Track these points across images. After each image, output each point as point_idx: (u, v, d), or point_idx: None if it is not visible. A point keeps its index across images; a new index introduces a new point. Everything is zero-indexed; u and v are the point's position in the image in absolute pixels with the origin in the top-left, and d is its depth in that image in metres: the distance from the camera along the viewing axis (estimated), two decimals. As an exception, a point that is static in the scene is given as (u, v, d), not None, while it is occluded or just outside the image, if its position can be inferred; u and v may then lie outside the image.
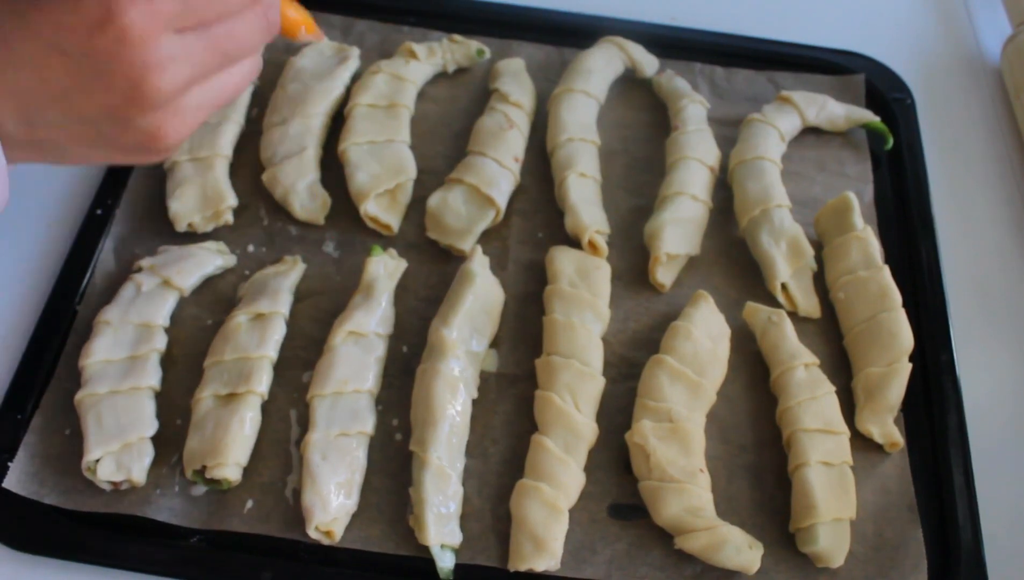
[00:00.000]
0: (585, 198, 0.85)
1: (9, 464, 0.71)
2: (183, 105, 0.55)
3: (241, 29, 0.57)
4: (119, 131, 0.54)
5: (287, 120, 0.88)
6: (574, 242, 0.84)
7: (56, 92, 0.52)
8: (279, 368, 0.77)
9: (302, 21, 0.74)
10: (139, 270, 0.80)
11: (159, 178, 0.86)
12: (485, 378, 0.78)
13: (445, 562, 0.68)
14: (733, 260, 0.86)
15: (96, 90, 0.52)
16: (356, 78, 0.93)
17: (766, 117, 0.91)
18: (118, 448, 0.70)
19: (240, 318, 0.77)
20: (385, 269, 0.80)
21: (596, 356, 0.77)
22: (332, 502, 0.68)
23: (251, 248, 0.84)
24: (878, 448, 0.76)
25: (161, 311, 0.78)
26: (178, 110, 0.55)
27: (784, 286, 0.83)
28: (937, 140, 0.97)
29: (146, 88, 0.52)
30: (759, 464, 0.75)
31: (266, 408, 0.75)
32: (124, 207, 0.85)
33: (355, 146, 0.87)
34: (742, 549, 0.68)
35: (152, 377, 0.74)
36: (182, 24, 0.53)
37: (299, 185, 0.85)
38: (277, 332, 0.77)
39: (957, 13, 1.11)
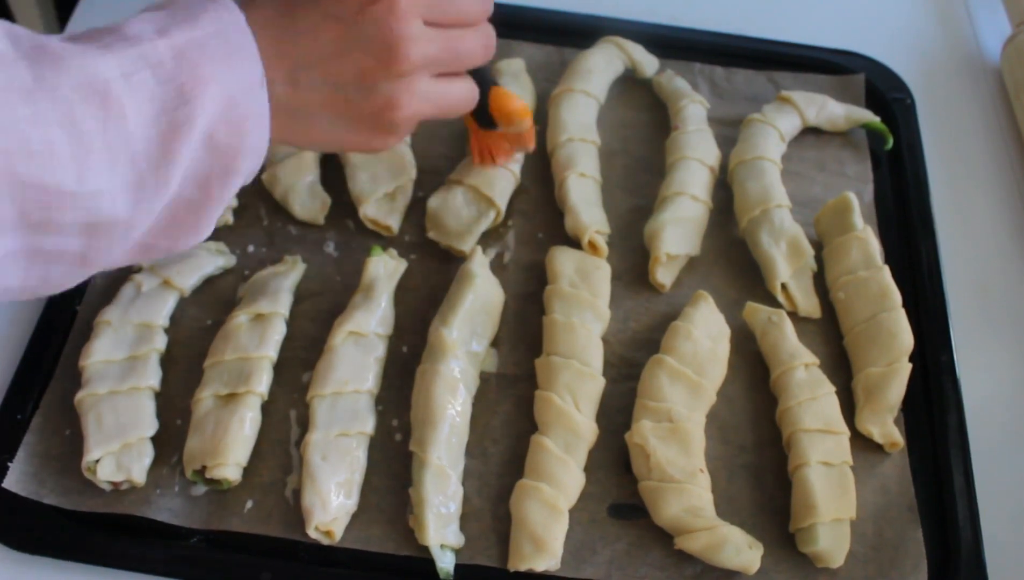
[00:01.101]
0: (585, 198, 0.85)
1: (9, 464, 0.71)
2: (417, 86, 0.64)
3: (469, 39, 0.67)
4: (364, 96, 0.63)
5: (287, 120, 0.88)
6: (574, 242, 0.84)
7: (323, 54, 0.61)
8: (279, 368, 0.77)
9: (519, 111, 0.78)
10: (139, 270, 0.80)
11: (159, 178, 0.86)
12: (485, 378, 0.78)
13: (445, 562, 0.68)
14: (733, 260, 0.86)
15: (356, 52, 0.61)
16: (356, 78, 0.93)
17: (766, 117, 0.91)
18: (118, 448, 0.70)
19: (240, 318, 0.77)
20: (385, 269, 0.80)
21: (596, 356, 0.77)
22: (332, 502, 0.68)
23: (251, 248, 0.84)
24: (878, 448, 0.76)
25: (161, 311, 0.78)
26: (412, 88, 0.64)
27: (784, 286, 0.83)
28: (937, 140, 0.97)
29: (398, 54, 0.62)
30: (759, 464, 0.75)
31: (266, 408, 0.75)
32: (124, 207, 0.85)
33: (355, 146, 0.87)
34: (742, 549, 0.68)
35: (152, 377, 0.74)
36: (430, 16, 0.63)
37: (299, 185, 0.85)
38: (277, 332, 0.77)
39: (957, 13, 1.11)
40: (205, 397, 0.73)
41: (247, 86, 0.58)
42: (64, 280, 0.58)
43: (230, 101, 0.57)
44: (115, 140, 0.53)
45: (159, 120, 0.54)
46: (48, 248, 0.54)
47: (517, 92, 0.92)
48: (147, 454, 0.71)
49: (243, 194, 0.86)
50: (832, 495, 0.70)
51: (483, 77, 0.74)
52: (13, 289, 0.56)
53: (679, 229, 0.83)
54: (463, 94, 0.71)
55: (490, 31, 0.70)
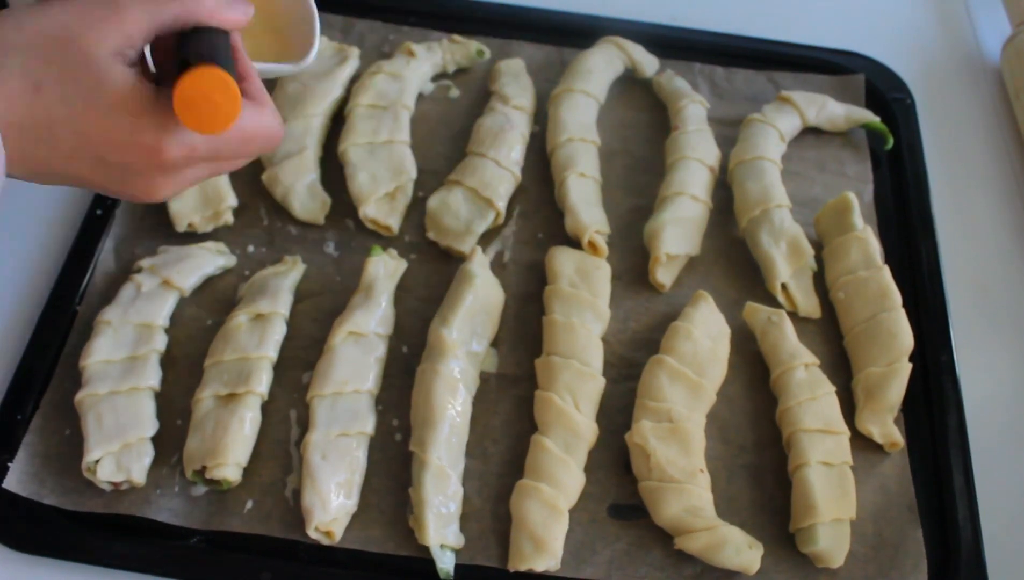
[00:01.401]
0: (585, 198, 0.85)
1: (9, 464, 0.71)
2: (181, 177, 0.61)
3: (241, 162, 0.64)
4: (123, 187, 0.59)
5: (287, 120, 0.88)
6: (574, 242, 0.84)
7: (75, 175, 0.58)
8: (279, 368, 0.77)
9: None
10: (139, 270, 0.80)
11: (159, 178, 0.86)
12: (485, 378, 0.78)
13: (445, 563, 0.68)
14: (733, 260, 0.86)
15: (114, 185, 0.59)
16: (356, 78, 0.93)
17: (766, 117, 0.91)
18: (118, 448, 0.70)
19: (240, 318, 0.77)
20: (385, 269, 0.80)
21: (596, 356, 0.77)
22: (332, 502, 0.68)
23: (251, 248, 0.84)
24: (878, 448, 0.76)
25: (161, 311, 0.78)
26: (176, 180, 0.61)
27: (784, 286, 0.83)
28: (937, 140, 0.97)
29: (154, 193, 0.60)
30: (759, 464, 0.75)
31: (266, 408, 0.75)
32: (124, 207, 0.85)
33: (355, 146, 0.87)
34: (742, 549, 0.68)
35: (152, 377, 0.74)
36: (207, 161, 0.60)
37: (299, 185, 0.85)
38: (277, 332, 0.77)
39: (957, 13, 1.11)
40: (205, 397, 0.73)
41: None
42: None
43: None
44: None
45: None
46: None
47: (517, 92, 0.92)
48: (147, 454, 0.71)
49: (243, 194, 0.86)
50: (832, 495, 0.70)
51: (209, 48, 0.57)
52: None
53: (679, 229, 0.83)
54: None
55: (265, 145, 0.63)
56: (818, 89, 0.97)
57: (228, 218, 0.84)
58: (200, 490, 0.71)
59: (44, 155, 0.56)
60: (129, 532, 0.69)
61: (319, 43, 0.72)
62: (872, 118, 0.94)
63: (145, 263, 0.80)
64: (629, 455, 0.73)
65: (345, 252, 0.85)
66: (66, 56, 0.54)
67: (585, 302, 0.78)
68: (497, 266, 0.84)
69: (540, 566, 0.68)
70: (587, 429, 0.73)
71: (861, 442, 0.76)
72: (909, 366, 0.76)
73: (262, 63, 0.69)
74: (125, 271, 0.81)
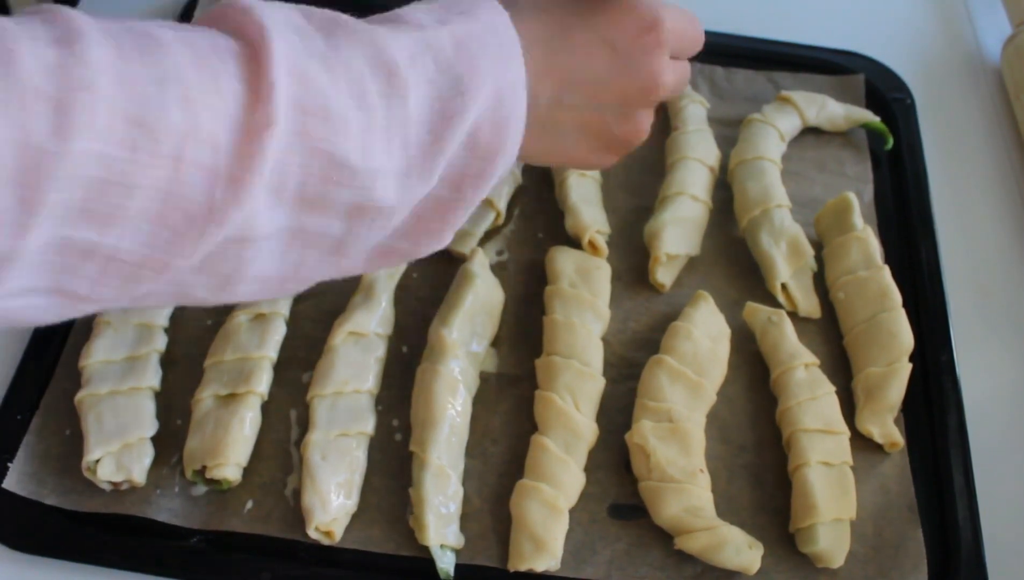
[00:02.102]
0: (585, 198, 0.85)
1: (9, 464, 0.71)
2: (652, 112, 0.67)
3: (682, 71, 0.71)
4: (620, 121, 0.65)
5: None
6: (574, 242, 0.84)
7: (591, 76, 0.62)
8: (279, 368, 0.77)
9: None
10: (139, 270, 0.80)
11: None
12: (485, 378, 0.78)
13: (445, 563, 0.68)
14: (733, 260, 0.86)
15: (623, 78, 0.63)
16: (356, 78, 0.93)
17: (766, 117, 0.91)
18: (118, 448, 0.70)
19: (240, 318, 0.77)
20: (385, 269, 0.80)
21: (596, 356, 0.77)
22: (332, 502, 0.68)
23: (251, 248, 0.84)
24: (878, 448, 0.76)
25: (161, 311, 0.78)
26: (651, 115, 0.67)
27: (784, 286, 0.83)
28: (937, 140, 0.97)
29: (659, 84, 0.64)
30: (759, 464, 0.76)
31: (266, 408, 0.75)
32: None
33: (355, 146, 0.87)
34: (742, 549, 0.68)
35: (152, 377, 0.74)
36: (674, 50, 0.67)
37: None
38: (277, 332, 0.77)
39: (957, 13, 1.11)
40: (205, 397, 0.73)
41: (513, 87, 0.57)
42: (312, 271, 0.56)
43: (498, 99, 0.55)
44: (395, 120, 0.52)
45: (434, 108, 0.53)
46: (312, 229, 0.52)
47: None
48: (147, 454, 0.71)
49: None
50: (832, 495, 0.70)
51: None
52: (270, 277, 0.53)
53: (679, 229, 0.83)
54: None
55: (687, 66, 0.72)
56: (818, 89, 0.97)
57: (228, 218, 0.84)
58: (200, 490, 0.71)
59: (564, 62, 0.61)
60: (129, 532, 0.69)
61: None
62: (872, 118, 0.94)
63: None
64: (629, 455, 0.73)
65: (345, 252, 0.84)
66: None
67: (585, 302, 0.78)
68: (497, 266, 0.84)
69: (540, 566, 0.68)
70: (587, 429, 0.73)
71: (861, 442, 0.76)
72: (909, 366, 0.76)
73: None
74: (125, 271, 0.81)
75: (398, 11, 0.56)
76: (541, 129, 0.61)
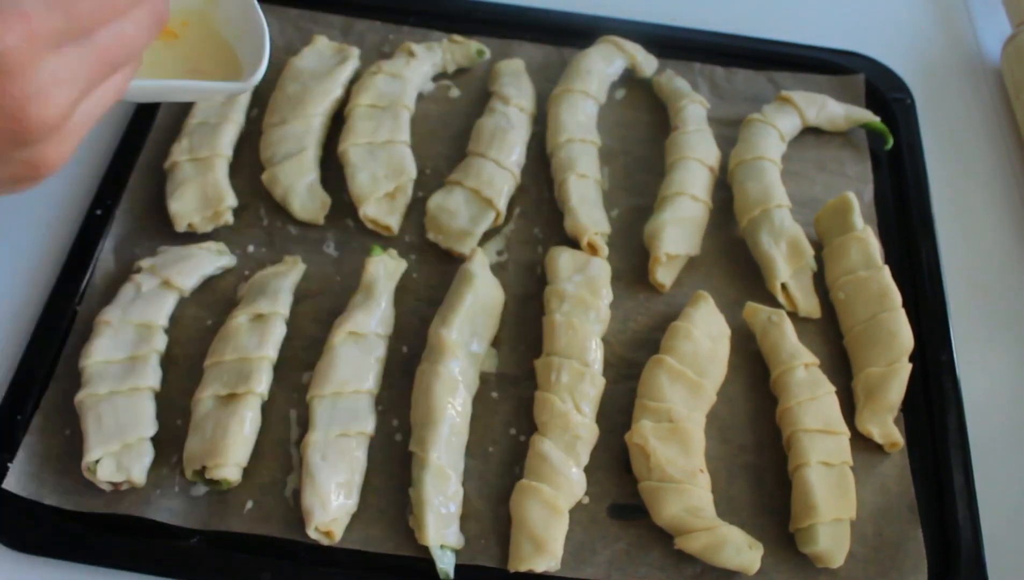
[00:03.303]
0: (585, 199, 0.85)
1: (9, 464, 0.71)
2: (67, 129, 0.49)
3: (129, 30, 0.50)
4: (2, 167, 0.48)
5: (287, 120, 0.88)
6: (574, 242, 0.84)
7: None
8: (279, 368, 0.77)
9: None
10: (139, 270, 0.80)
11: (159, 178, 0.86)
12: (485, 378, 0.78)
13: (445, 563, 0.68)
14: (733, 260, 0.86)
15: None
16: (356, 78, 0.93)
17: (766, 117, 0.91)
18: (118, 448, 0.70)
19: (240, 318, 0.77)
20: (385, 269, 0.80)
21: (596, 356, 0.77)
22: (332, 502, 0.68)
23: (251, 248, 0.84)
24: (878, 448, 0.76)
25: (161, 311, 0.78)
26: (62, 137, 0.49)
27: (784, 286, 0.83)
28: (937, 140, 0.97)
29: (27, 121, 0.47)
30: (759, 464, 0.75)
31: (266, 408, 0.75)
32: (124, 207, 0.85)
33: (355, 146, 0.87)
34: (742, 549, 0.68)
35: (152, 378, 0.74)
36: (65, 40, 0.47)
37: (299, 185, 0.85)
38: (277, 332, 0.77)
39: (957, 13, 1.11)
40: (205, 397, 0.73)
41: None
42: None
43: None
44: None
45: None
46: None
47: (517, 92, 0.92)
48: (147, 454, 0.71)
49: (243, 194, 0.86)
50: (832, 495, 0.70)
51: None
52: None
53: (679, 229, 0.83)
54: (127, 78, 0.53)
55: (153, 3, 0.52)
56: (818, 89, 0.97)
57: (228, 218, 0.84)
58: (200, 490, 0.71)
59: None
60: (129, 532, 0.69)
61: (267, 60, 0.67)
62: (872, 118, 0.94)
63: (145, 263, 0.80)
64: (629, 455, 0.73)
65: (345, 252, 0.85)
66: None
67: (585, 302, 0.78)
68: (497, 266, 0.84)
69: (540, 566, 0.68)
70: (587, 430, 0.73)
71: (861, 442, 0.76)
72: (909, 366, 0.76)
73: (208, 82, 0.66)
74: (125, 271, 0.81)
75: None
76: None
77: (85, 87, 0.49)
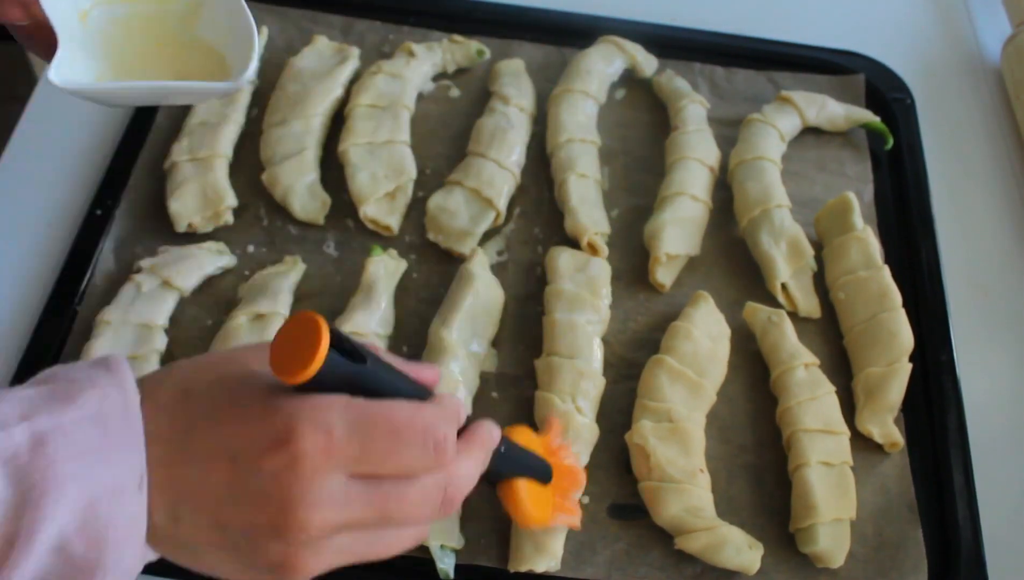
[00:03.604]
0: (585, 199, 0.85)
1: (9, 464, 0.71)
2: (324, 546, 0.51)
3: (413, 495, 0.52)
4: (252, 551, 0.51)
5: (287, 120, 0.88)
6: (574, 242, 0.84)
7: (210, 497, 0.50)
8: (279, 368, 0.77)
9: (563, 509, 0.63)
10: (139, 271, 0.80)
11: (159, 179, 0.86)
12: (485, 378, 0.78)
13: (445, 563, 0.68)
14: (733, 260, 0.86)
15: (247, 504, 0.50)
16: (356, 78, 0.93)
17: (766, 117, 0.91)
18: (118, 448, 0.70)
19: (240, 318, 0.77)
20: (385, 270, 0.80)
21: (596, 356, 0.77)
22: (332, 502, 0.68)
23: (251, 248, 0.84)
24: (878, 448, 0.76)
25: (161, 312, 0.78)
26: (318, 550, 0.51)
27: (784, 286, 0.83)
28: (937, 140, 0.97)
29: (292, 520, 0.49)
30: (759, 464, 0.75)
31: (266, 408, 0.74)
32: (124, 208, 0.85)
33: (355, 146, 0.87)
34: (742, 549, 0.68)
35: (152, 377, 0.74)
36: (355, 470, 0.50)
37: (299, 185, 0.85)
38: (277, 332, 0.77)
39: (957, 13, 1.11)
40: (205, 397, 0.73)
41: (113, 492, 0.46)
42: None
43: (90, 507, 0.45)
44: None
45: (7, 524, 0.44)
46: None
47: (517, 92, 0.92)
48: (147, 454, 0.71)
49: (243, 194, 0.86)
50: (832, 495, 0.70)
51: (512, 463, 0.58)
52: None
53: (679, 229, 0.83)
54: (402, 545, 0.54)
55: (446, 482, 0.53)
56: (818, 89, 0.97)
57: (228, 218, 0.84)
58: (200, 490, 0.71)
59: (180, 471, 0.49)
60: (129, 532, 0.69)
61: (257, 59, 0.66)
62: (872, 118, 0.94)
63: (145, 263, 0.80)
64: (629, 455, 0.73)
65: (345, 252, 0.85)
66: (226, 366, 0.52)
67: (585, 302, 0.78)
68: (497, 266, 0.84)
69: (540, 567, 0.68)
70: (587, 430, 0.73)
71: (861, 442, 0.76)
72: (909, 366, 0.76)
73: (196, 82, 0.66)
74: (125, 271, 0.81)
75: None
76: (171, 545, 0.51)
77: (354, 521, 0.51)
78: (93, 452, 0.45)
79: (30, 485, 0.44)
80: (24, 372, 0.75)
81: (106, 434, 0.46)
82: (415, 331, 0.79)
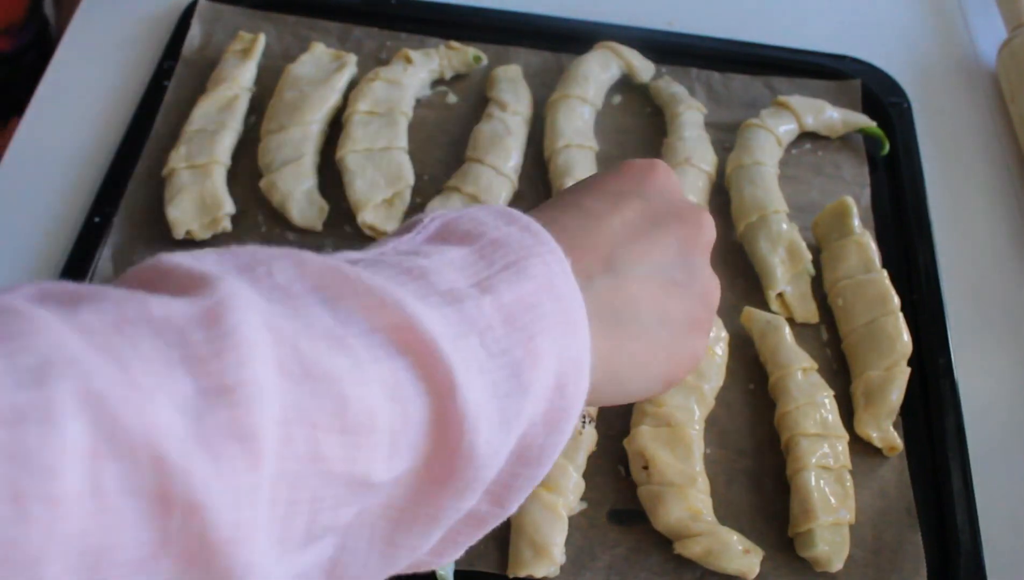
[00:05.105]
0: (583, 204, 0.85)
1: (8, 472, 0.71)
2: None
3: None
4: (688, 274, 0.54)
5: (285, 127, 0.88)
6: (572, 247, 0.84)
7: (633, 230, 0.52)
8: (278, 375, 0.76)
9: None
10: (137, 278, 0.80)
11: (157, 186, 0.86)
12: (484, 384, 0.78)
13: (444, 569, 0.68)
14: (731, 265, 0.86)
15: (670, 222, 0.53)
16: (353, 85, 0.93)
17: (763, 122, 0.91)
18: (117, 456, 0.70)
19: (238, 325, 0.77)
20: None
21: (594, 361, 0.76)
22: (331, 509, 0.68)
23: (249, 255, 0.84)
24: (877, 452, 0.76)
25: (159, 318, 0.78)
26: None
27: (780, 294, 0.83)
28: (934, 144, 0.97)
29: (703, 217, 0.55)
30: (758, 468, 0.76)
31: (265, 415, 0.74)
32: (122, 215, 0.85)
33: (353, 153, 0.87)
34: (741, 554, 0.68)
35: (151, 385, 0.74)
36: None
37: (297, 192, 0.85)
38: (275, 339, 0.77)
39: (953, 17, 1.11)
40: (204, 404, 0.72)
41: (578, 362, 0.45)
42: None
43: (560, 376, 0.44)
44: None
45: (488, 404, 0.41)
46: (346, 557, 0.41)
47: (514, 98, 0.92)
48: (146, 462, 0.71)
49: (241, 201, 0.86)
50: (831, 499, 0.70)
51: None
52: None
53: (677, 234, 0.83)
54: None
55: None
56: (814, 94, 0.97)
57: (226, 225, 0.84)
58: (199, 497, 0.71)
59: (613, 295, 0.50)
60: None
61: None
62: (868, 123, 0.94)
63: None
64: (628, 460, 0.73)
65: (343, 258, 0.85)
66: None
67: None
68: (495, 272, 0.84)
69: (540, 572, 0.68)
70: (586, 435, 0.73)
71: (860, 446, 0.76)
72: (908, 370, 0.76)
73: None
74: (123, 278, 0.81)
75: (420, 265, 0.42)
76: (609, 330, 0.49)
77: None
78: (554, 326, 0.43)
79: (512, 363, 0.42)
80: (22, 380, 0.75)
81: (559, 303, 0.44)
82: (413, 337, 0.79)
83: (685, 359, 0.54)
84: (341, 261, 0.40)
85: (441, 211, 0.47)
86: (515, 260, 0.44)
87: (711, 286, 0.55)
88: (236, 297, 0.35)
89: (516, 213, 0.47)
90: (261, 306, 0.35)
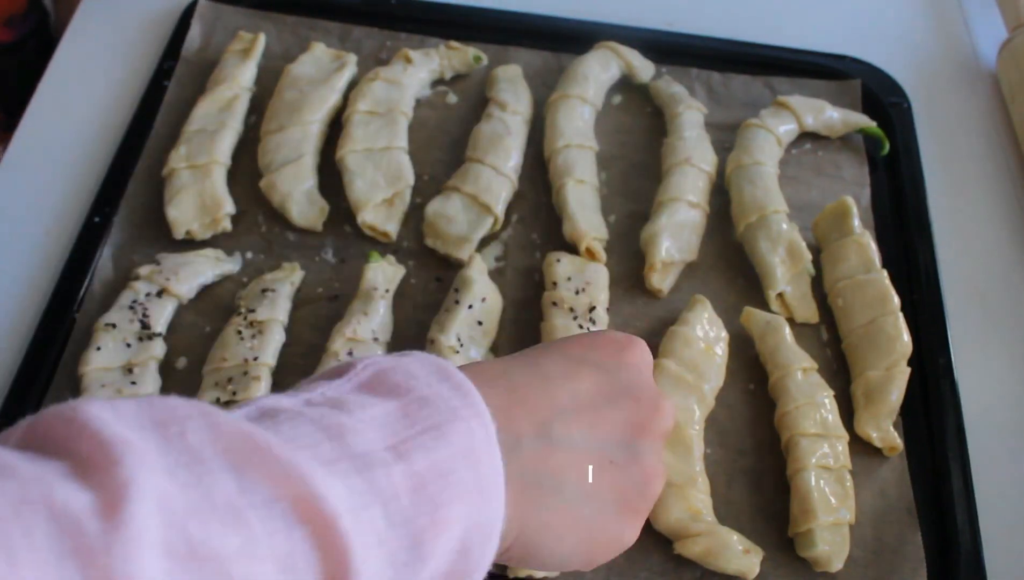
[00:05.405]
0: (583, 204, 0.85)
1: (8, 472, 0.71)
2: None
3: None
4: (630, 457, 0.53)
5: (284, 127, 0.88)
6: (572, 248, 0.84)
7: (583, 401, 0.52)
8: (278, 375, 0.77)
9: None
10: (137, 278, 0.80)
11: (157, 186, 0.86)
12: (484, 384, 0.78)
13: (444, 568, 0.68)
14: (731, 265, 0.86)
15: (622, 397, 0.53)
16: (353, 85, 0.93)
17: (763, 122, 0.91)
18: (117, 456, 0.70)
19: (238, 325, 0.77)
20: (383, 276, 0.80)
21: (594, 361, 0.76)
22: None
23: (249, 255, 0.84)
24: (877, 452, 0.76)
25: (160, 318, 0.78)
26: (661, 456, 0.56)
27: (780, 294, 0.83)
28: (933, 144, 0.97)
29: (662, 404, 0.55)
30: (758, 468, 0.76)
31: (265, 415, 0.74)
32: (122, 215, 0.85)
33: (353, 153, 0.87)
34: (741, 554, 0.68)
35: (151, 385, 0.74)
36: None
37: (297, 192, 0.85)
38: (276, 339, 0.77)
39: (953, 17, 1.11)
40: (204, 404, 0.73)
41: (489, 519, 0.45)
42: None
43: (466, 541, 0.44)
44: None
45: (382, 573, 0.41)
46: None
47: (514, 98, 0.92)
48: (146, 461, 0.71)
49: (241, 201, 0.86)
50: (831, 499, 0.70)
51: None
52: None
53: (675, 235, 0.83)
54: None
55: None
56: (814, 94, 0.97)
57: (226, 225, 0.85)
58: (199, 497, 0.71)
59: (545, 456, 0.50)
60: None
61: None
62: (868, 123, 0.94)
63: (143, 270, 0.80)
64: (628, 460, 0.73)
65: (343, 259, 0.85)
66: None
67: (584, 307, 0.78)
68: (495, 272, 0.84)
69: (540, 571, 0.68)
70: (586, 434, 0.73)
71: (860, 446, 0.76)
72: (908, 370, 0.76)
73: None
74: (123, 278, 0.81)
75: (340, 422, 0.42)
76: (528, 500, 0.49)
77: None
78: (467, 493, 0.44)
79: (413, 532, 0.42)
80: (23, 378, 0.75)
81: (476, 473, 0.44)
82: (413, 337, 0.79)
83: (608, 540, 0.53)
84: (255, 426, 0.40)
85: (376, 355, 0.48)
86: (438, 422, 0.44)
87: (652, 474, 0.53)
88: (135, 482, 0.35)
89: (451, 369, 0.47)
90: (160, 484, 0.36)
